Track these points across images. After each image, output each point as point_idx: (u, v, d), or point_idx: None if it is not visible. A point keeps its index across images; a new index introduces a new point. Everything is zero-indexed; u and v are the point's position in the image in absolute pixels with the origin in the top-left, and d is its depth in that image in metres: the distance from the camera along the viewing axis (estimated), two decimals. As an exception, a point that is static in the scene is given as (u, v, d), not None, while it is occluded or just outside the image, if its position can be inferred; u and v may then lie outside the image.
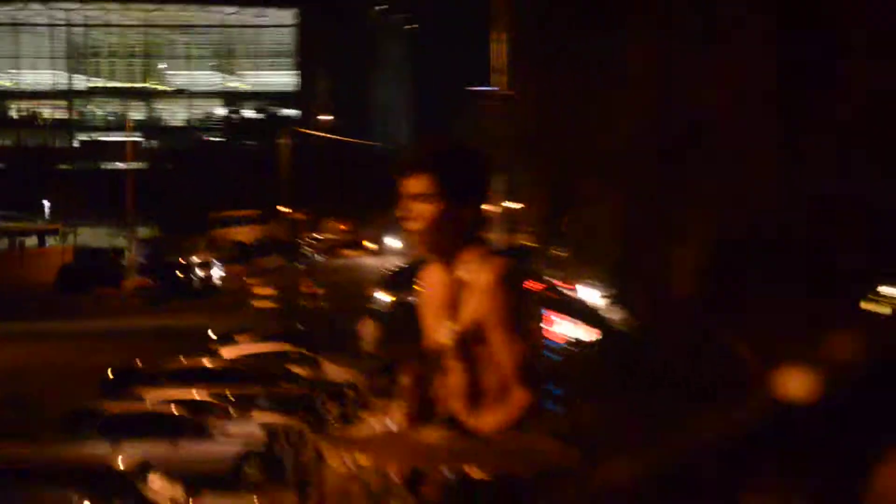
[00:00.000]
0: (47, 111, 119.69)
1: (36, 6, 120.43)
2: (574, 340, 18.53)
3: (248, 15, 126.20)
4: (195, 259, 76.56)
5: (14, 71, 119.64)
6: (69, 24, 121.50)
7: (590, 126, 10.97)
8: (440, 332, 3.50)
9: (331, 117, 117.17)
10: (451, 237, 3.52)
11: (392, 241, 78.02)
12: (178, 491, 17.55)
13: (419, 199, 3.51)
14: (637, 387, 12.42)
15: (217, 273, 75.26)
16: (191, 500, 17.41)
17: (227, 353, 33.32)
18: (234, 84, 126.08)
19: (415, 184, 3.51)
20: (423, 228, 3.52)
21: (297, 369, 29.46)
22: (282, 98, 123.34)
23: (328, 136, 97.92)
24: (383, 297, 44.79)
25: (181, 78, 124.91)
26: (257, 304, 50.70)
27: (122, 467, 17.73)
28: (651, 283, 10.88)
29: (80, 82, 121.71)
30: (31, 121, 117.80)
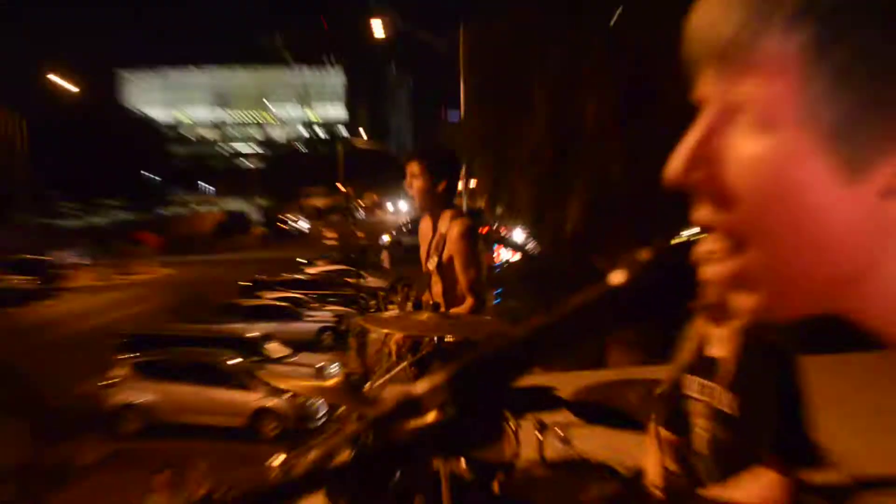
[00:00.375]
0: (204, 132, 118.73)
1: (195, 70, 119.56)
2: (507, 261, 18.59)
3: (316, 73, 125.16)
4: (291, 217, 76.26)
5: (185, 108, 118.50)
6: (214, 81, 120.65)
7: (510, 137, 10.88)
8: (428, 261, 3.53)
9: (365, 136, 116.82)
10: (433, 201, 3.51)
11: (402, 205, 77.47)
12: (284, 351, 17.62)
13: (415, 177, 3.51)
14: (543, 287, 12.46)
15: (304, 225, 74.93)
16: (292, 356, 17.46)
17: (311, 271, 33.38)
18: (310, 114, 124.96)
19: (412, 167, 3.52)
20: (417, 195, 3.53)
21: (351, 280, 29.56)
22: (338, 123, 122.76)
23: (365, 145, 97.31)
24: (385, 237, 44.70)
25: (280, 111, 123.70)
26: (327, 243, 50.50)
27: (251, 336, 17.80)
28: (552, 227, 10.84)
29: (222, 115, 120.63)
30: (195, 139, 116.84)
